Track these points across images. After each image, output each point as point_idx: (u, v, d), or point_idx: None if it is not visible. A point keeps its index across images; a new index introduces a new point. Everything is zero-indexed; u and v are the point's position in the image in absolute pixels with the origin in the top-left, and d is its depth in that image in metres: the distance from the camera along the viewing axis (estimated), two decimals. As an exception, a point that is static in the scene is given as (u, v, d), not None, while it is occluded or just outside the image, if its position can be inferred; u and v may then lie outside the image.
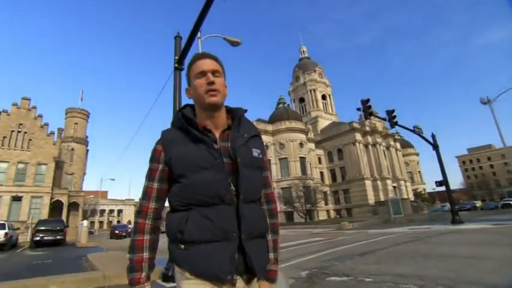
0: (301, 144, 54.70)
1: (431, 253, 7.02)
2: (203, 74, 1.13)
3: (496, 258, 5.76)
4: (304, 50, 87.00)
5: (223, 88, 1.15)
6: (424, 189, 79.29)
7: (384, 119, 15.57)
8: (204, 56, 1.18)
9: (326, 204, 57.37)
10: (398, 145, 70.30)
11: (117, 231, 31.65)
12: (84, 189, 46.84)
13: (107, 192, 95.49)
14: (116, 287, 5.29)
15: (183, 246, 1.02)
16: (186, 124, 1.11)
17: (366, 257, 7.08)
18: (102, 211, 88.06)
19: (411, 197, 64.88)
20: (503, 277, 4.29)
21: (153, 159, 1.13)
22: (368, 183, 57.40)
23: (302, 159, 53.21)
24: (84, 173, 45.11)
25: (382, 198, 54.11)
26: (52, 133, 38.03)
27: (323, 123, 71.30)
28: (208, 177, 1.05)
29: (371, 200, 55.24)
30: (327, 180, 63.35)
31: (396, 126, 16.93)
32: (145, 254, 1.06)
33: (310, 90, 76.69)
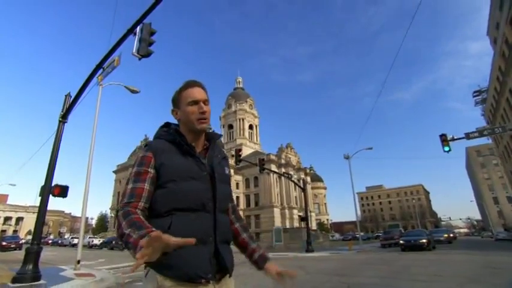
0: (220, 170, 58.13)
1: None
2: (196, 102, 1.30)
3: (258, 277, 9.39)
4: (240, 80, 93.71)
5: (210, 115, 1.35)
6: (327, 220, 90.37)
7: (256, 164, 20.22)
8: (195, 84, 1.35)
9: (238, 228, 61.06)
10: (308, 179, 79.55)
11: (4, 243, 29.07)
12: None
13: (6, 196, 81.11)
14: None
15: None
16: (180, 139, 1.27)
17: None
18: (-5, 218, 75.57)
19: (314, 226, 73.42)
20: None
21: (143, 163, 1.21)
22: (277, 210, 63.66)
23: (219, 184, 56.52)
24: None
25: (287, 225, 60.64)
26: None
27: (246, 151, 76.34)
28: (197, 186, 1.21)
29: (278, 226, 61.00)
30: (242, 204, 67.74)
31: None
32: (148, 225, 1.01)
33: (239, 119, 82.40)
